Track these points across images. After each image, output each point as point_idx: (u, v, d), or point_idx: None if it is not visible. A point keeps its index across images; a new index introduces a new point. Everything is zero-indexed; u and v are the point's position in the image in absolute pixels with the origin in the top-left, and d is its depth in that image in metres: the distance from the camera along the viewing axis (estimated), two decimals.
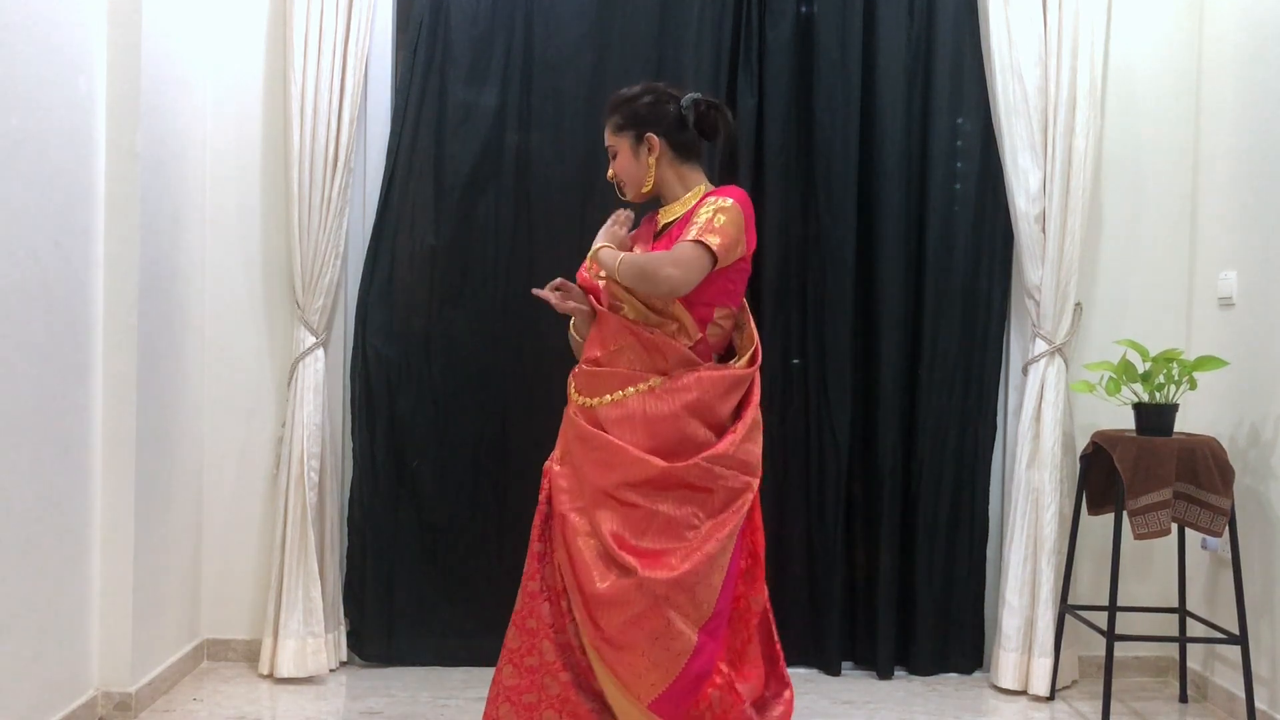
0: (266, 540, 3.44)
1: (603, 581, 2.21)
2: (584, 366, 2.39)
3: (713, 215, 2.29)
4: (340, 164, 3.32)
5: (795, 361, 3.51)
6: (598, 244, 2.40)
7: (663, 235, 2.44)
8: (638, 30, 3.47)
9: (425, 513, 3.49)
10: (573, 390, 2.43)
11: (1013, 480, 3.42)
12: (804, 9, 3.50)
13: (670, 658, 2.20)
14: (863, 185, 3.48)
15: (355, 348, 3.46)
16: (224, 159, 3.46)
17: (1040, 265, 3.38)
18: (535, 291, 2.45)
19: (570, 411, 2.40)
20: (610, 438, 2.27)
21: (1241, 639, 3.01)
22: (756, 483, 2.32)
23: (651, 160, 2.44)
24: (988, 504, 3.53)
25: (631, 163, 2.46)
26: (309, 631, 3.29)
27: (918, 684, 3.45)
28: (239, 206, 3.47)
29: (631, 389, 2.29)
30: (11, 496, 2.52)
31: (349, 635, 3.49)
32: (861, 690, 3.37)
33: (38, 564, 2.64)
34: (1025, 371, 3.43)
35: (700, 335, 2.37)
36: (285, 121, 3.33)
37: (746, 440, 2.32)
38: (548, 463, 2.42)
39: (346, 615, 3.48)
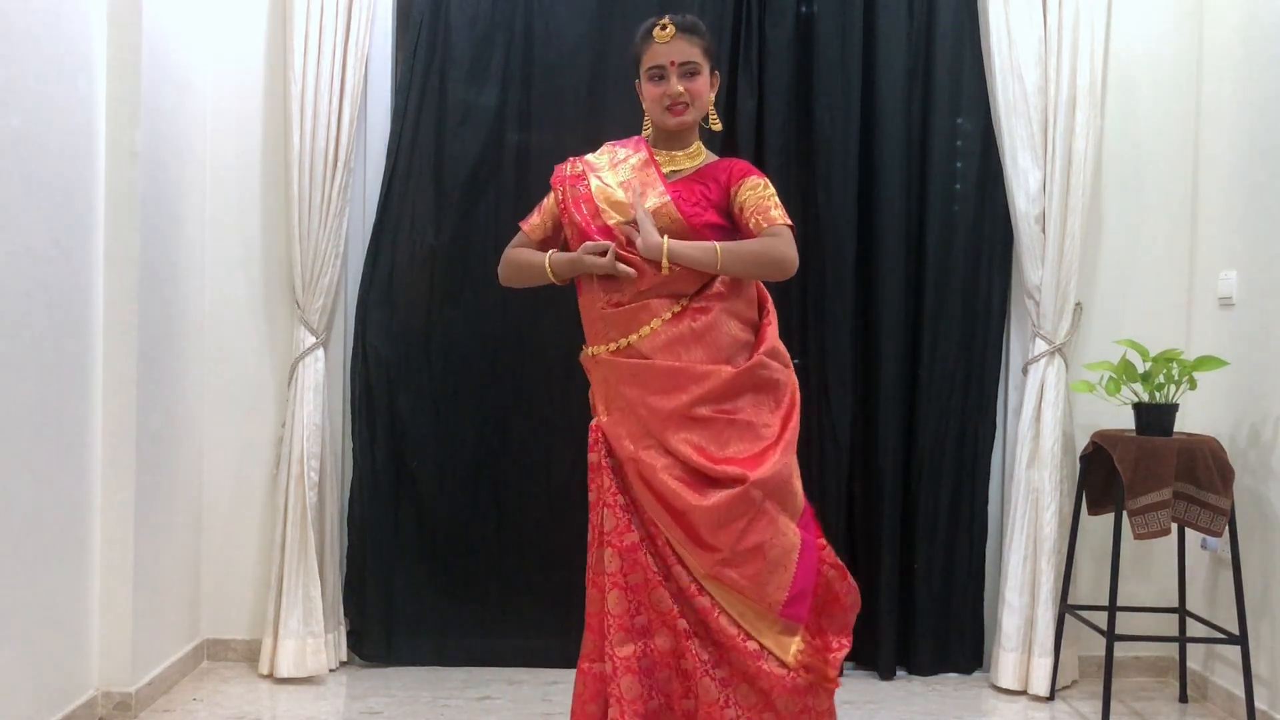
0: (266, 540, 3.44)
1: (707, 499, 2.18)
2: (606, 310, 2.30)
3: (769, 194, 2.32)
4: (340, 164, 3.32)
5: (795, 361, 3.50)
6: (655, 239, 2.24)
7: (675, 182, 2.35)
8: (637, 30, 3.46)
9: (425, 513, 3.49)
10: (600, 339, 2.33)
11: (1013, 480, 3.42)
12: (804, 9, 3.50)
13: (783, 555, 2.22)
14: (863, 185, 3.48)
15: (355, 348, 3.46)
16: (224, 159, 3.46)
17: (1040, 265, 3.38)
18: (621, 267, 2.26)
19: (603, 360, 2.32)
20: (668, 362, 2.25)
21: (1241, 639, 3.01)
22: (792, 373, 2.40)
23: (711, 98, 2.40)
24: (988, 504, 3.53)
25: (708, 92, 2.38)
26: (309, 631, 3.29)
27: (918, 684, 3.45)
28: (239, 206, 3.47)
29: (667, 313, 2.27)
30: (11, 496, 2.52)
31: (349, 635, 3.49)
32: (861, 690, 3.37)
33: (38, 564, 2.64)
34: (1025, 371, 3.43)
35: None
36: (285, 122, 3.34)
37: (776, 333, 2.39)
38: (594, 422, 2.36)
39: (346, 615, 3.48)
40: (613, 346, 2.31)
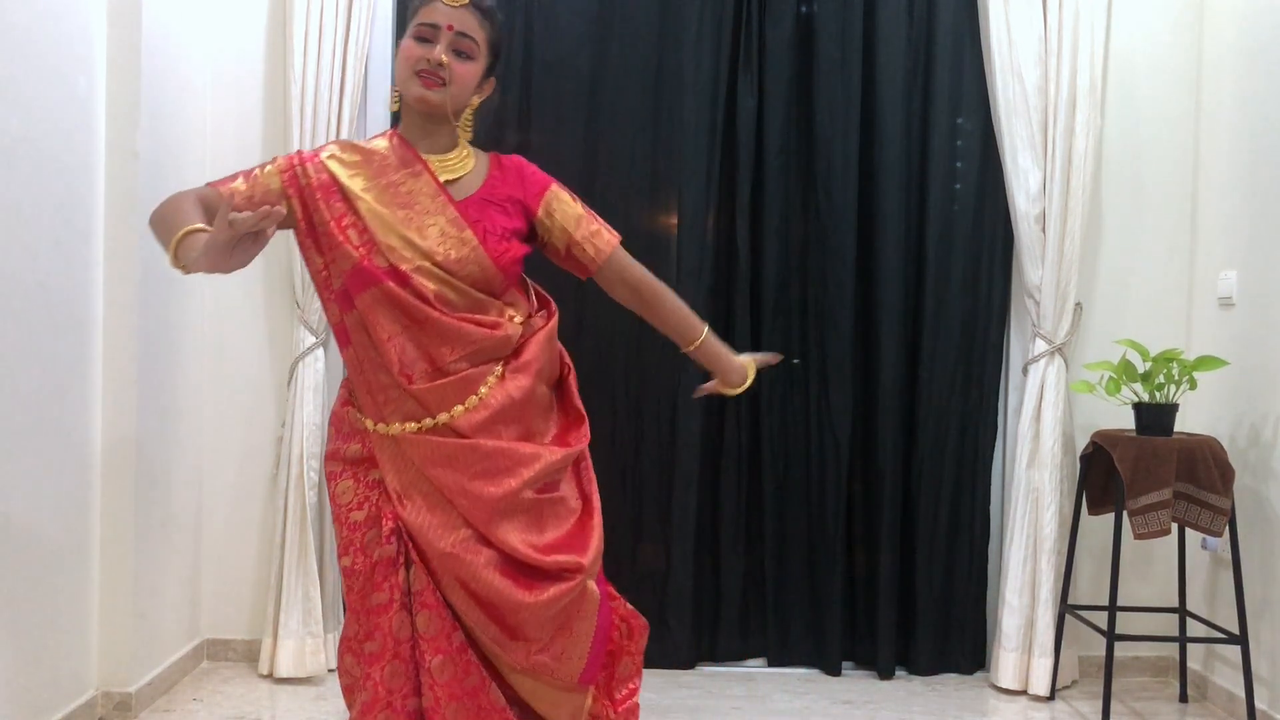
0: (266, 540, 3.44)
1: (540, 594, 1.92)
2: (415, 386, 1.90)
3: (581, 211, 2.08)
4: None
5: (795, 362, 3.51)
6: (737, 364, 2.08)
7: (464, 202, 1.98)
8: (637, 31, 3.47)
9: None
10: (394, 415, 1.93)
11: (1013, 480, 3.42)
12: (804, 9, 3.50)
13: (586, 622, 2.02)
14: (863, 185, 3.47)
15: None
16: (224, 159, 3.44)
17: (1040, 265, 3.38)
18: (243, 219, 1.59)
19: (404, 439, 1.92)
20: (498, 443, 1.93)
21: (1241, 639, 3.01)
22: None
23: (476, 102, 2.03)
24: (988, 504, 3.53)
25: (473, 83, 1.99)
26: (308, 632, 3.29)
27: (918, 684, 3.45)
28: None
29: (484, 386, 1.93)
30: (12, 497, 2.52)
31: None
32: (861, 690, 3.37)
33: (38, 564, 2.64)
34: (1025, 371, 3.43)
35: (532, 306, 2.08)
36: (285, 121, 3.34)
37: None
38: (389, 510, 1.93)
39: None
40: (414, 426, 1.91)
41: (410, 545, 1.92)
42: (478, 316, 1.95)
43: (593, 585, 2.04)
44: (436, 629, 1.91)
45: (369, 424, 1.95)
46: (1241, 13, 3.30)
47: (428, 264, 1.91)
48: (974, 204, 3.49)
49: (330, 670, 3.36)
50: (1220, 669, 3.27)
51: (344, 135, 3.31)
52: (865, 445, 3.52)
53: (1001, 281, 3.51)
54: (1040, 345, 3.39)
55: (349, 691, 1.99)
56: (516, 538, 1.92)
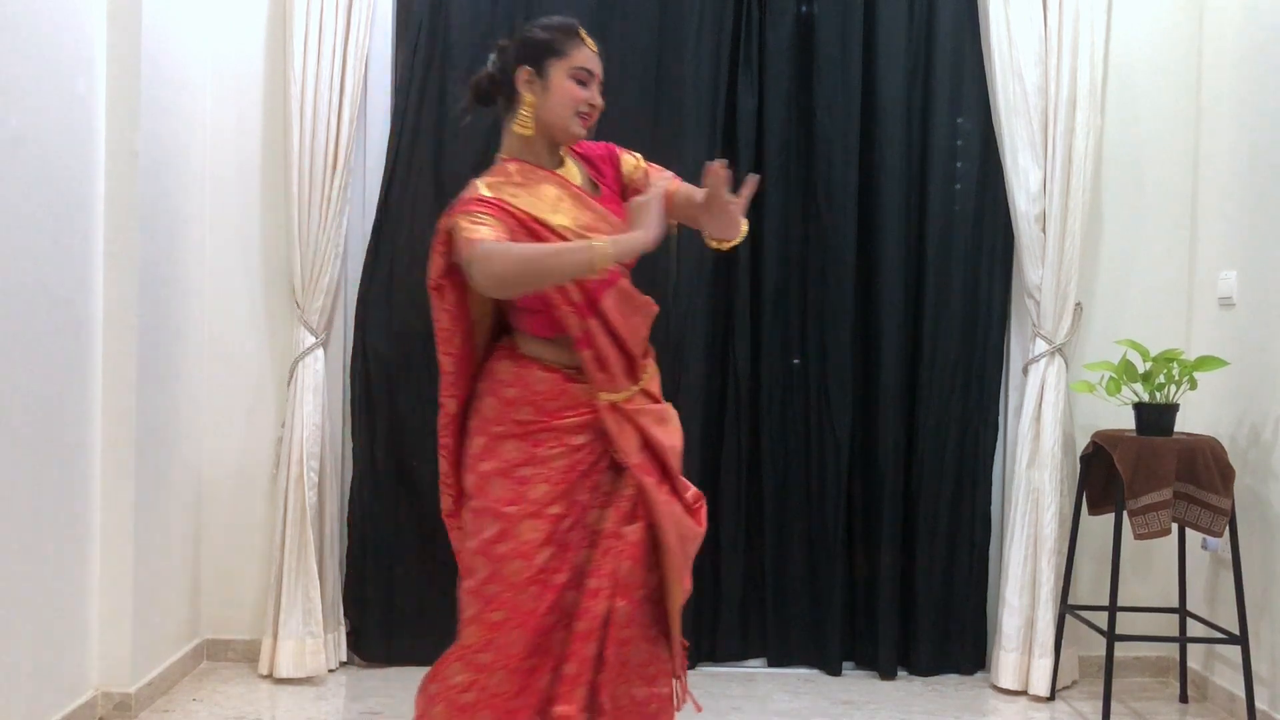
0: (266, 540, 3.43)
1: (703, 525, 2.21)
2: (646, 360, 2.20)
3: (646, 163, 2.33)
4: (340, 164, 3.32)
5: (795, 361, 3.52)
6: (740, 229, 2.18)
7: (599, 199, 2.23)
8: (637, 31, 3.47)
9: (425, 513, 3.48)
10: (615, 386, 2.13)
11: (1013, 480, 3.42)
12: (804, 9, 3.50)
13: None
14: (863, 185, 3.48)
15: (355, 347, 3.46)
16: (224, 159, 3.46)
17: (1040, 265, 3.38)
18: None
19: (626, 409, 2.13)
20: (671, 407, 2.25)
21: (1241, 639, 3.01)
22: None
23: None
24: (988, 504, 3.53)
25: None
26: (308, 632, 3.29)
27: (918, 684, 3.45)
28: (239, 206, 3.47)
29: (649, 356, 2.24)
30: (11, 496, 2.52)
31: (349, 635, 3.49)
32: (862, 690, 3.37)
33: (38, 564, 2.64)
34: (1025, 371, 3.43)
35: None
36: (285, 121, 3.34)
37: None
38: (579, 472, 2.14)
39: (346, 615, 3.48)
40: (636, 389, 2.16)
41: (640, 501, 2.14)
42: (645, 297, 2.21)
43: None
44: (637, 579, 2.11)
45: (602, 396, 2.13)
46: (1241, 13, 3.30)
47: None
48: (974, 204, 3.49)
49: (331, 670, 3.36)
50: (1220, 669, 3.27)
51: (344, 136, 3.31)
52: (865, 445, 3.52)
53: (1001, 281, 3.51)
54: (1040, 345, 3.39)
55: (478, 620, 2.19)
56: (681, 484, 2.20)
